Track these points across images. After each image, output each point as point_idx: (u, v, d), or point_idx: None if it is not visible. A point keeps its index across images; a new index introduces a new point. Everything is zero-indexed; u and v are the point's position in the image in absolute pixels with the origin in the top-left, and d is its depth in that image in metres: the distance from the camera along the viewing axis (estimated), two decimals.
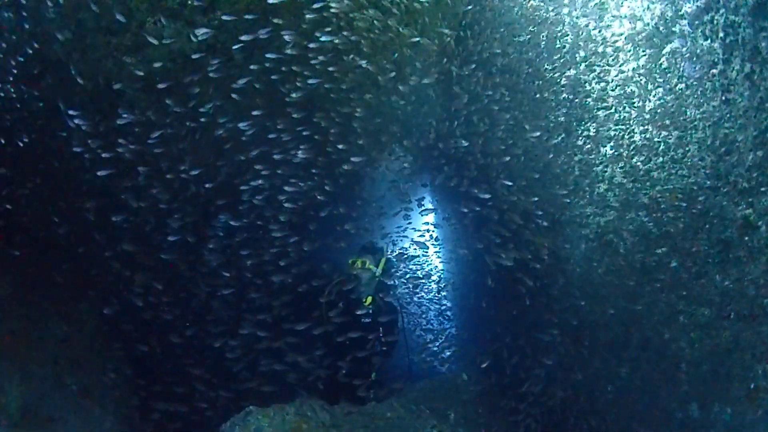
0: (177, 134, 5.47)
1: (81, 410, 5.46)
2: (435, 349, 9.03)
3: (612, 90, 5.85)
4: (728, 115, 5.07)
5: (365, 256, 6.67)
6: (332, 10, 5.16)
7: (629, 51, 5.72)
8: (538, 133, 6.34)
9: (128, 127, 5.34)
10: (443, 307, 9.21)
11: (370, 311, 6.24)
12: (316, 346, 6.16)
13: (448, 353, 9.17)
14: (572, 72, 6.18)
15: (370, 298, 6.35)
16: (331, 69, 5.55)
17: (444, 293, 9.15)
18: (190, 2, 4.91)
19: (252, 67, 5.35)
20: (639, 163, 5.62)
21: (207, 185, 5.71)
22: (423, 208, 7.74)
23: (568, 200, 6.20)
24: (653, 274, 5.57)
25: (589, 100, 6.04)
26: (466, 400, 6.62)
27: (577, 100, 6.15)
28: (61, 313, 5.85)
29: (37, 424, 5.10)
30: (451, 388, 6.79)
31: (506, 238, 6.43)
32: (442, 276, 9.34)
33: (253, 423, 4.98)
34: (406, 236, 8.19)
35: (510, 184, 6.51)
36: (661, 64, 5.48)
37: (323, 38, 5.25)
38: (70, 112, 5.23)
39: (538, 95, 6.50)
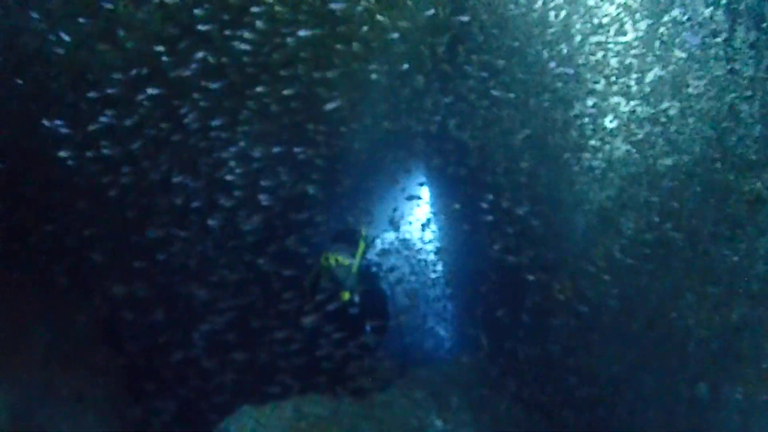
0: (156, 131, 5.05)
1: (73, 416, 5.08)
2: (433, 333, 8.73)
3: (611, 61, 5.43)
4: (733, 86, 4.70)
5: (339, 246, 5.99)
6: None
7: (627, 20, 5.30)
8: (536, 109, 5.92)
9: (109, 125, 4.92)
10: (442, 292, 8.84)
11: (355, 303, 5.77)
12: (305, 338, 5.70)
13: (448, 338, 8.88)
14: (569, 44, 5.75)
15: (347, 294, 5.82)
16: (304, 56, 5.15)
17: (442, 278, 8.77)
18: None
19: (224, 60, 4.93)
20: (640, 137, 5.23)
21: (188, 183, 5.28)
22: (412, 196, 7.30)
23: (567, 177, 5.82)
24: (658, 251, 5.22)
25: (587, 72, 5.62)
26: (467, 383, 6.29)
27: (574, 73, 5.73)
28: (50, 317, 5.45)
29: None
30: (452, 372, 6.45)
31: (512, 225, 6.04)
32: (439, 263, 8.95)
33: (249, 422, 4.63)
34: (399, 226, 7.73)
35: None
36: (661, 33, 5.07)
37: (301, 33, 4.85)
38: (49, 121, 4.82)
39: (534, 70, 6.08)
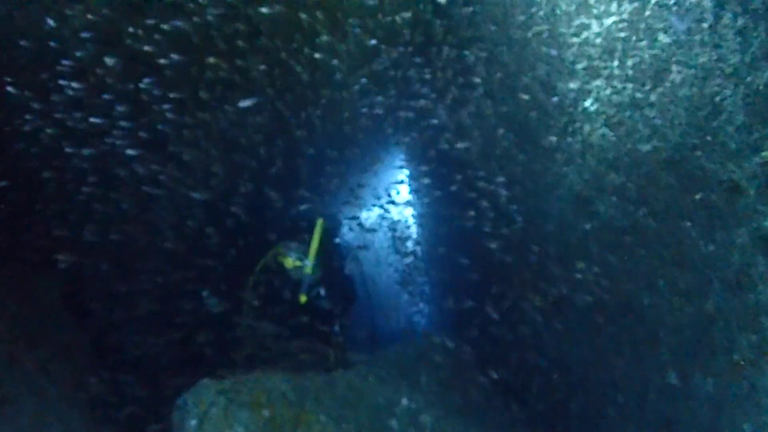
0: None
1: (36, 390, 4.83)
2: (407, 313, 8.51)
3: (593, 44, 5.14)
4: (718, 73, 4.41)
5: (290, 244, 5.43)
6: None
7: (612, 2, 5.00)
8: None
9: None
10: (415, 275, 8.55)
11: (321, 296, 5.42)
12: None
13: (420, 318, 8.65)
14: (550, 25, 5.46)
15: (304, 297, 5.41)
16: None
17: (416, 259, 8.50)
18: None
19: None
20: (620, 121, 4.97)
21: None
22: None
23: (545, 159, 5.56)
24: (633, 237, 4.98)
25: (568, 54, 5.34)
26: (438, 363, 6.06)
27: (556, 55, 5.44)
28: (15, 290, 5.17)
29: None
30: (422, 351, 6.20)
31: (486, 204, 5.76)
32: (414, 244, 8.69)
33: (207, 397, 4.35)
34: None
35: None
36: (645, 16, 4.78)
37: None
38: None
39: (515, 51, 5.79)
